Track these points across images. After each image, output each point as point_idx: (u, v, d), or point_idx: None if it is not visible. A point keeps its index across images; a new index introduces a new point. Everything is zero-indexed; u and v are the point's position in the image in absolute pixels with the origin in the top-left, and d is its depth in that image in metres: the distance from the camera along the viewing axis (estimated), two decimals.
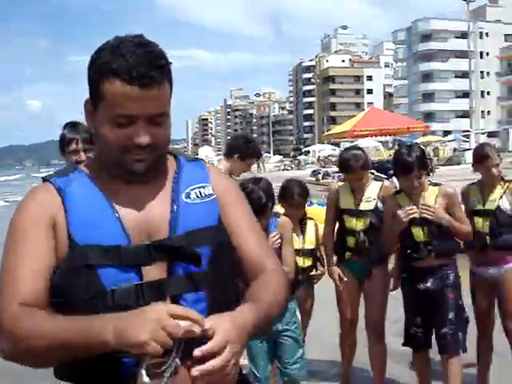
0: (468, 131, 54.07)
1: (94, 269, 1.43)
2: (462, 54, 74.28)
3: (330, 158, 48.79)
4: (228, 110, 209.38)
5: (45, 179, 1.58)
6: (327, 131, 45.85)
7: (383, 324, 4.52)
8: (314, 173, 34.26)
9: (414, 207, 3.90)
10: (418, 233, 3.97)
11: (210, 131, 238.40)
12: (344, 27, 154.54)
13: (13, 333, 1.36)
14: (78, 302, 1.40)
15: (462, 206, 4.40)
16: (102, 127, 1.50)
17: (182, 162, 1.67)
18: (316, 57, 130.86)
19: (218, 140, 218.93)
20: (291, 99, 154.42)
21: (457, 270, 4.08)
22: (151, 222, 1.52)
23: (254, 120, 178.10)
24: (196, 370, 1.29)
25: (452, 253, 4.09)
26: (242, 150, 4.66)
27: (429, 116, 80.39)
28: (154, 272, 1.47)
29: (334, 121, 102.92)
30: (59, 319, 1.36)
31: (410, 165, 3.87)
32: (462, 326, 4.01)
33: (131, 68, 1.43)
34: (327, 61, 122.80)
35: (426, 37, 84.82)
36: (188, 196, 1.58)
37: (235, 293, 1.59)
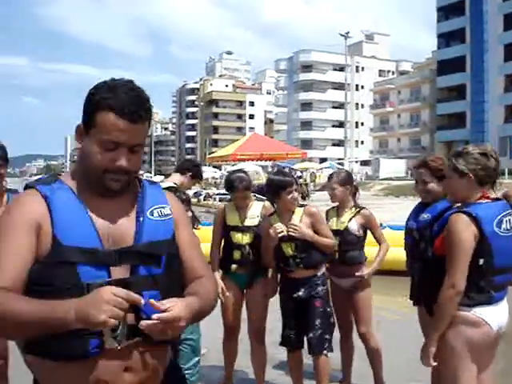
0: (342, 159, 56.61)
1: (74, 265, 1.76)
2: (339, 86, 77.79)
3: (211, 180, 49.38)
4: None
5: (29, 186, 1.93)
6: (209, 154, 46.44)
7: (264, 330, 5.05)
8: (196, 194, 34.49)
9: (281, 225, 4.47)
10: (287, 248, 4.54)
11: None
12: (229, 52, 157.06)
13: None
14: (58, 291, 1.73)
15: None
16: (90, 148, 1.85)
17: (146, 185, 2.05)
18: (200, 80, 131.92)
19: None
20: (174, 120, 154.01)
21: (325, 280, 4.66)
22: (119, 231, 1.88)
23: None
24: (156, 316, 1.69)
25: (318, 264, 4.61)
26: (193, 171, 5.59)
27: (306, 143, 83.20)
28: (119, 272, 1.83)
29: (216, 143, 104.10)
30: (30, 302, 1.68)
31: (289, 181, 4.55)
32: (328, 330, 4.57)
33: (125, 105, 1.79)
34: (211, 84, 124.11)
35: (307, 67, 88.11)
36: (152, 214, 1.96)
37: (179, 294, 1.91)
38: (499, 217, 3.15)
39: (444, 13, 67.03)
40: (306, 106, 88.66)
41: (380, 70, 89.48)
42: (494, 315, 3.19)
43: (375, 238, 5.19)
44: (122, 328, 1.73)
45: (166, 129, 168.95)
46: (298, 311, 4.65)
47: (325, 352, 4.55)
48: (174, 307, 1.73)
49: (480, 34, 61.15)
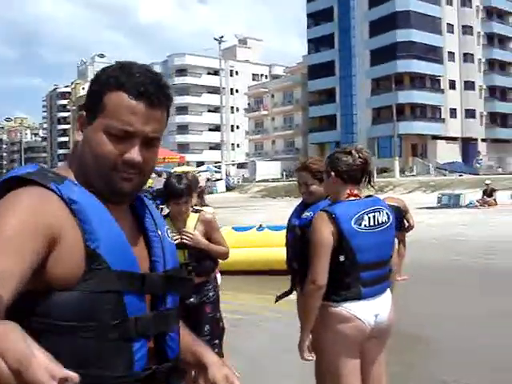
0: (219, 162, 57.12)
1: (121, 295, 1.35)
2: (215, 90, 78.43)
3: None
4: None
5: (25, 179, 1.35)
6: None
7: None
8: None
9: (176, 235, 4.29)
10: (180, 255, 4.47)
11: None
12: (101, 55, 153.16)
13: None
14: (103, 328, 1.32)
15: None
16: (94, 138, 1.41)
17: (143, 197, 1.62)
18: (72, 83, 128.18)
19: None
20: (45, 126, 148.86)
21: (216, 286, 4.65)
22: (138, 251, 1.47)
23: (5, 146, 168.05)
24: None
25: (210, 271, 4.57)
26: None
27: (183, 147, 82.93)
28: (147, 302, 1.45)
29: None
30: None
31: (179, 191, 4.33)
32: (217, 335, 4.57)
33: (140, 84, 1.40)
34: (83, 88, 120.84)
35: (181, 71, 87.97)
36: (167, 234, 1.60)
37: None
38: (359, 214, 3.23)
39: (314, 19, 69.24)
40: (182, 109, 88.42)
41: (254, 74, 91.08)
42: (365, 310, 3.26)
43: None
44: None
45: (36, 135, 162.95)
46: (188, 318, 4.58)
47: None
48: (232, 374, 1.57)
49: (348, 40, 63.88)
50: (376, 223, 3.29)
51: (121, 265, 1.36)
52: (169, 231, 1.64)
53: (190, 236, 4.37)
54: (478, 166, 48.53)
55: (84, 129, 1.46)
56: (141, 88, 1.40)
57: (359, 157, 3.35)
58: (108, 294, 1.33)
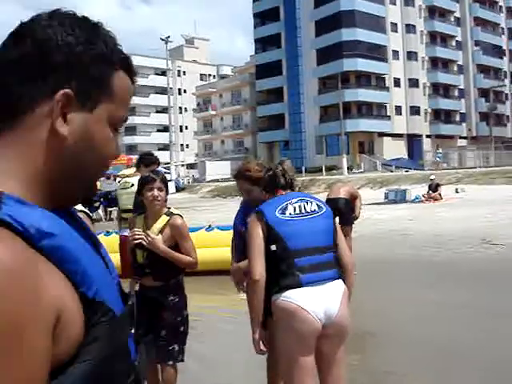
0: (169, 163, 56.78)
1: (127, 343, 0.99)
2: (162, 90, 78.05)
3: None
4: None
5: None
6: None
7: None
8: None
9: (141, 233, 4.27)
10: (140, 255, 4.34)
11: None
12: None
13: None
14: None
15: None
16: (100, 132, 1.00)
17: None
18: None
19: None
20: None
21: (179, 290, 4.40)
22: None
23: None
24: None
25: (169, 277, 4.33)
26: (146, 160, 6.68)
27: (131, 148, 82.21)
28: None
29: None
30: None
31: (152, 177, 4.34)
32: (177, 340, 4.33)
33: (130, 60, 1.07)
34: None
35: None
36: (98, 240, 1.10)
37: None
38: (283, 205, 3.47)
39: (260, 19, 69.56)
40: (130, 110, 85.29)
41: (201, 74, 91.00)
42: (309, 299, 3.25)
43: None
44: None
45: None
46: (147, 320, 4.37)
47: (170, 362, 4.34)
48: None
49: (294, 39, 64.38)
50: (303, 211, 3.49)
51: (117, 304, 0.96)
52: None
53: (149, 239, 4.24)
54: (437, 159, 49.33)
55: (72, 115, 0.96)
56: (132, 66, 1.09)
57: (277, 168, 3.70)
58: (120, 351, 0.96)
